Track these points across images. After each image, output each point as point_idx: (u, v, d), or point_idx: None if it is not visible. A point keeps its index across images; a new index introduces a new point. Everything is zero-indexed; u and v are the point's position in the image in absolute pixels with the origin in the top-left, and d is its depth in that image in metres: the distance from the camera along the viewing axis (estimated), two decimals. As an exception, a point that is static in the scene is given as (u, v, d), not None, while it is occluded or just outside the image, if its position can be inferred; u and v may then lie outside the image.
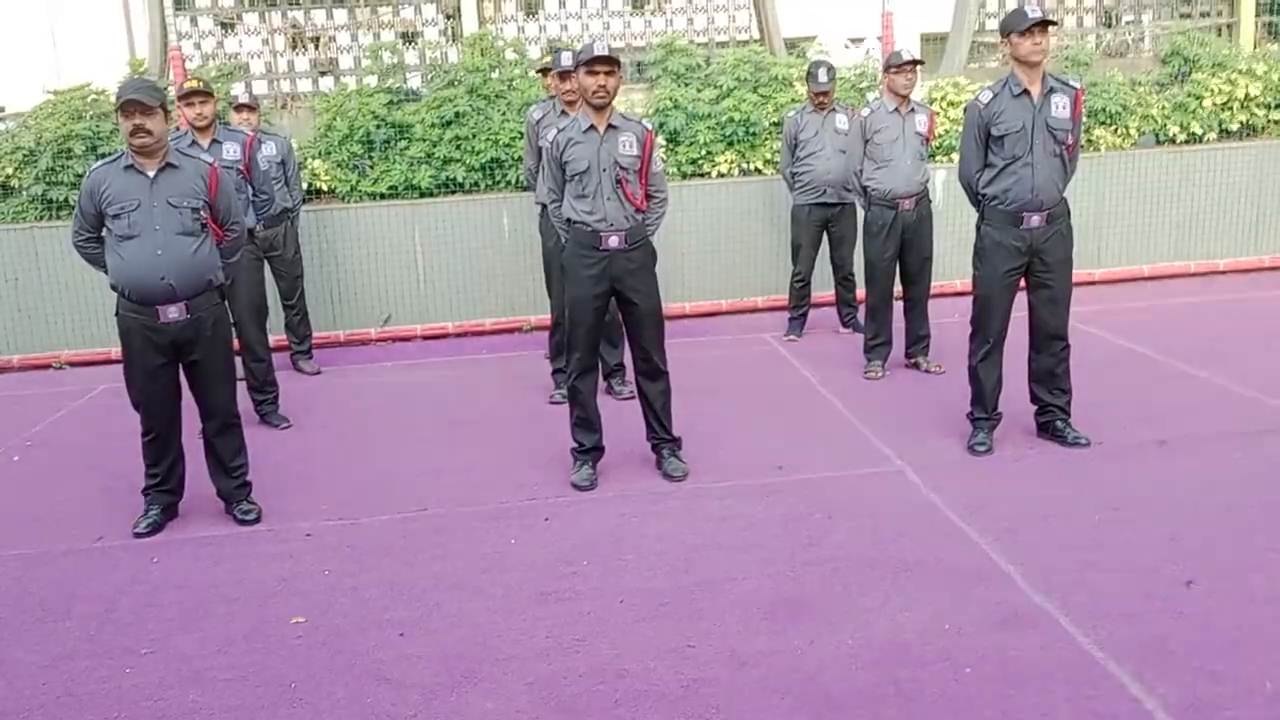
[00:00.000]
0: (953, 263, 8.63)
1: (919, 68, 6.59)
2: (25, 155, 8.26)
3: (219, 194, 4.71)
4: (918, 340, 6.87)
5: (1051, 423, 5.33)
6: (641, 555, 4.29)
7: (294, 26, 9.32)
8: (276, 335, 7.90)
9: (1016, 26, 4.89)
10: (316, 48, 9.44)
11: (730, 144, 8.91)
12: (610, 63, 4.75)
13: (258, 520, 4.87)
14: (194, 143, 6.07)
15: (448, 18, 9.45)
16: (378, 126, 8.55)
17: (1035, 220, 5.05)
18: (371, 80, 8.90)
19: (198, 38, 9.28)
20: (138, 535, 4.75)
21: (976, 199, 5.24)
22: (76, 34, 15.48)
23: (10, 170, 8.30)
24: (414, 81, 9.19)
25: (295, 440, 6.13)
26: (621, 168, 4.89)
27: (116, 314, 4.69)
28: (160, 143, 4.54)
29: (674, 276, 8.84)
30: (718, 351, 7.73)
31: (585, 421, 5.16)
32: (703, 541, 4.39)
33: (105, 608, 4.09)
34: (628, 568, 4.18)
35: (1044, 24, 4.85)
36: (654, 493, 4.98)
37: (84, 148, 8.19)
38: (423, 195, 8.62)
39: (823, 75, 7.43)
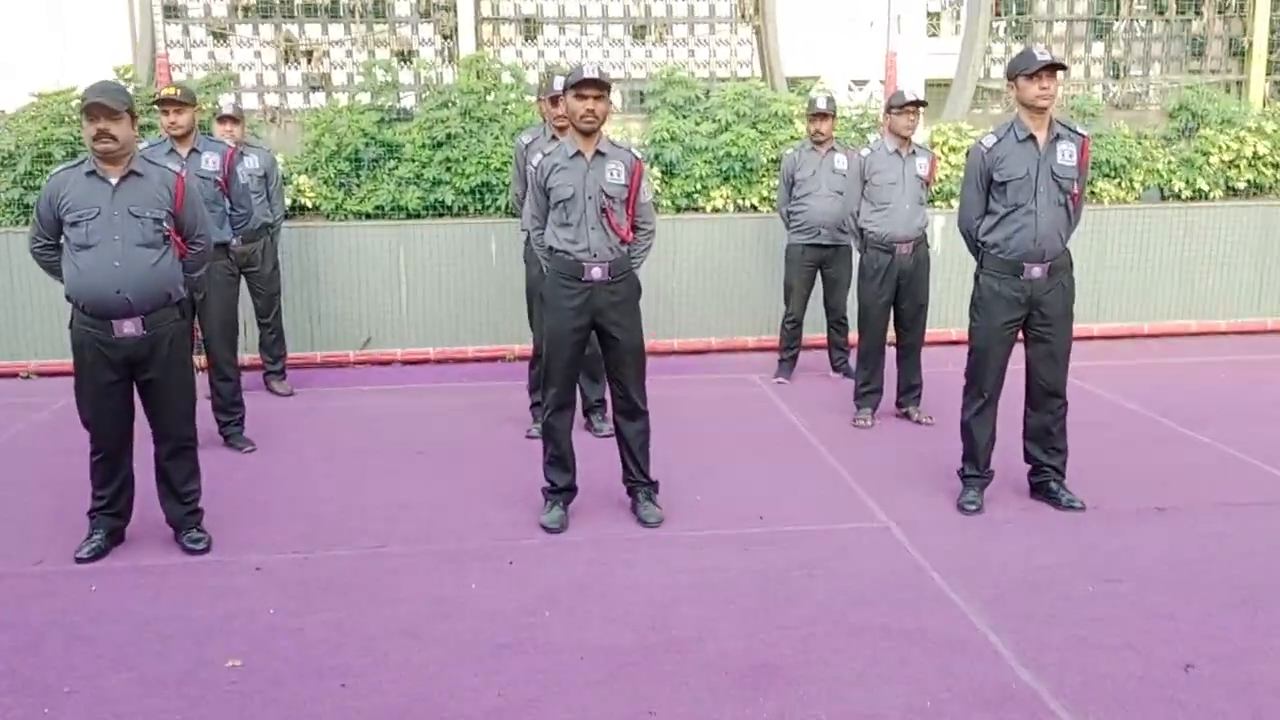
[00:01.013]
0: (948, 311, 8.42)
1: (922, 110, 6.40)
2: (3, 158, 8.04)
3: (185, 205, 4.49)
4: (909, 389, 6.65)
5: (1046, 483, 5.10)
6: (607, 607, 4.04)
7: (287, 39, 9.12)
8: (251, 354, 7.69)
9: (1024, 69, 4.70)
10: (309, 62, 9.24)
11: (726, 179, 8.72)
12: (600, 86, 4.55)
13: (207, 550, 4.61)
14: (172, 151, 5.86)
15: (445, 38, 9.27)
16: (366, 144, 8.34)
17: (1037, 271, 4.84)
18: (364, 97, 8.70)
19: (189, 46, 9.07)
20: (79, 560, 4.49)
21: (975, 247, 5.04)
22: (84, 36, 15.33)
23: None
24: (407, 101, 8.99)
25: (257, 465, 5.88)
26: (607, 196, 4.67)
27: (70, 326, 4.46)
28: (125, 149, 4.33)
29: (664, 312, 8.65)
30: (704, 391, 7.50)
31: (559, 460, 4.92)
32: (673, 595, 4.14)
33: (33, 639, 3.83)
34: (591, 620, 3.93)
35: (1053, 68, 4.66)
36: (626, 539, 4.74)
37: (64, 153, 7.96)
38: (409, 216, 8.40)
39: (821, 102, 7.25)
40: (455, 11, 9.16)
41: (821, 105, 7.28)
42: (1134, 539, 4.67)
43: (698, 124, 8.80)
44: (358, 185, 8.41)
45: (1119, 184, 9.20)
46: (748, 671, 3.54)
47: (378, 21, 9.24)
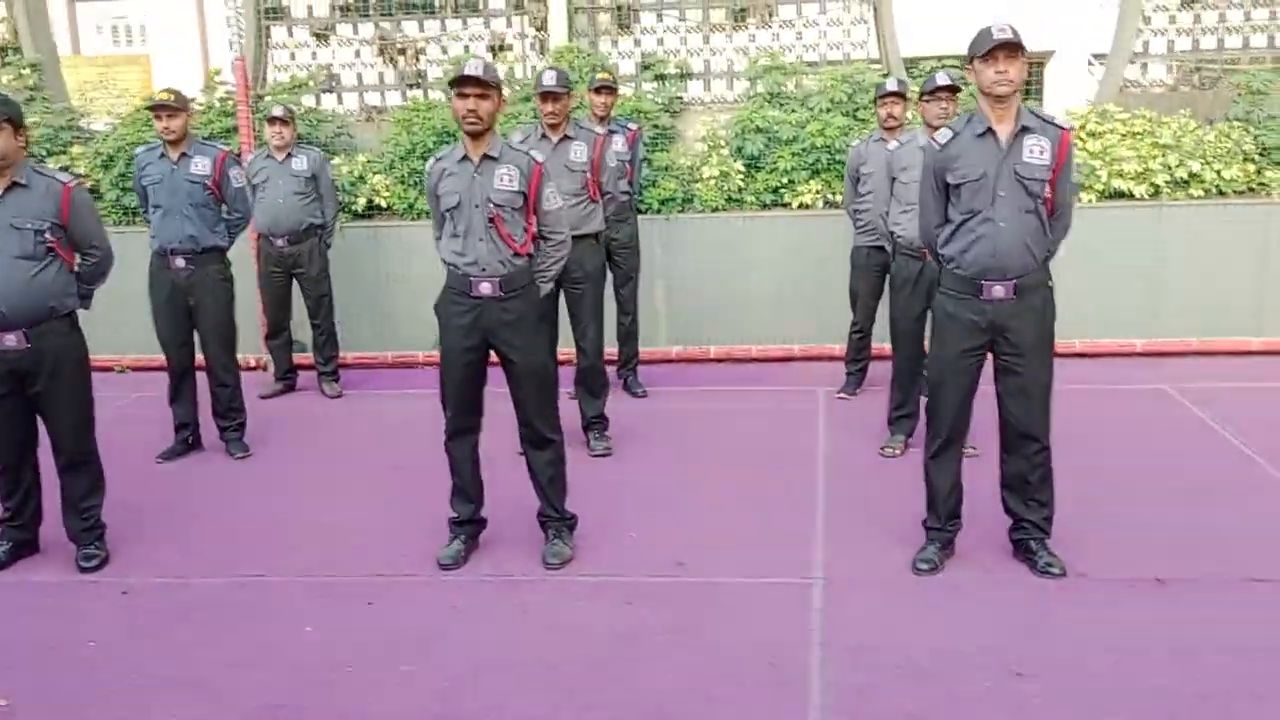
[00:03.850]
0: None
1: (958, 95, 5.54)
2: (105, 160, 8.40)
3: (72, 216, 4.41)
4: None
5: (1026, 542, 4.27)
6: (424, 665, 3.65)
7: (382, 38, 9.11)
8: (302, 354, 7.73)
9: (977, 51, 3.91)
10: (405, 60, 9.20)
11: (815, 172, 8.00)
12: (481, 84, 4.12)
13: (98, 567, 4.54)
14: (163, 155, 5.88)
15: (537, 30, 9.00)
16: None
17: (998, 291, 4.03)
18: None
19: (293, 48, 9.22)
20: (-24, 572, 4.52)
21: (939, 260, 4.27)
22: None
23: (97, 176, 8.47)
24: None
25: (225, 475, 5.81)
26: (496, 205, 4.24)
27: None
28: (6, 160, 4.27)
29: (743, 315, 8.10)
30: (751, 404, 6.89)
31: (460, 490, 4.55)
32: (502, 656, 3.69)
33: None
34: (392, 682, 3.54)
35: (1010, 47, 3.84)
36: (511, 581, 4.31)
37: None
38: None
39: (892, 83, 6.40)
40: (547, 3, 8.87)
41: (892, 86, 6.45)
42: (1097, 621, 3.80)
43: (791, 113, 8.13)
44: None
45: (1299, 175, 7.82)
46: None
47: (472, 15, 9.08)
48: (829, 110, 8.04)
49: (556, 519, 4.54)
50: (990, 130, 3.98)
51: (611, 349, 7.34)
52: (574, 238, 5.60)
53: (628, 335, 7.26)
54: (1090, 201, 7.74)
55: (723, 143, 8.15)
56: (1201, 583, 4.07)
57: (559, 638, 3.82)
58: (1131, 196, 7.73)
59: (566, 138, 5.71)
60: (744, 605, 4.04)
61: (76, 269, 4.51)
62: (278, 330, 7.50)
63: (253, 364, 8.18)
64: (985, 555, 4.38)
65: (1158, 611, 3.86)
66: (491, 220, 4.24)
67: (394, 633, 3.89)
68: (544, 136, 5.72)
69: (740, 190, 8.07)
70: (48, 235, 4.33)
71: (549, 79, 5.58)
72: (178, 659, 3.75)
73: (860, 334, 7.00)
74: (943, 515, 4.30)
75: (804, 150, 7.97)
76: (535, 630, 3.88)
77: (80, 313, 4.58)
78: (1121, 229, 7.73)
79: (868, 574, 4.28)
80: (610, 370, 7.25)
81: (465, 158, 4.27)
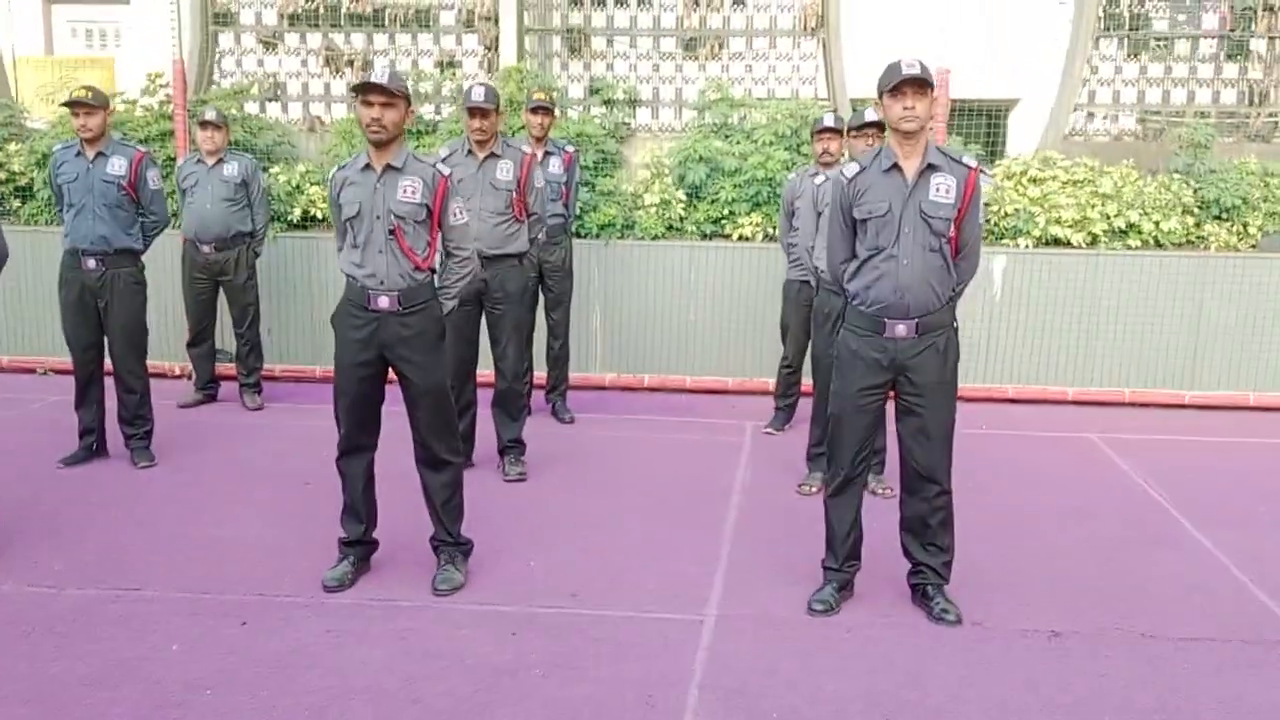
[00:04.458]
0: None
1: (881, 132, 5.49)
2: (39, 159, 8.23)
3: None
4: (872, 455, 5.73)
5: (923, 587, 4.19)
6: (286, 690, 3.50)
7: (329, 49, 9.01)
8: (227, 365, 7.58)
9: (885, 85, 3.86)
10: (353, 71, 9.10)
11: (756, 205, 7.95)
12: (385, 93, 4.02)
13: (-33, 574, 4.37)
14: (79, 153, 5.75)
15: (487, 49, 8.93)
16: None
17: (900, 329, 3.96)
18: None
19: (240, 54, 9.11)
20: None
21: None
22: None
23: (31, 173, 8.32)
24: (446, 111, 8.69)
25: (124, 484, 5.64)
26: (397, 216, 4.14)
27: None
28: None
29: (680, 346, 8.04)
30: (675, 436, 6.80)
31: (351, 509, 4.42)
32: (373, 684, 3.55)
33: None
34: (249, 708, 3.39)
35: (918, 83, 3.79)
36: (395, 606, 4.17)
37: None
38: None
39: (829, 118, 6.32)
40: (498, 22, 8.81)
41: (828, 121, 6.40)
42: (984, 672, 3.71)
43: (736, 144, 8.09)
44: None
45: (1231, 228, 7.85)
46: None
47: (422, 31, 9.01)
48: (773, 143, 8.01)
49: (450, 544, 4.41)
50: (897, 166, 3.92)
51: (541, 373, 7.26)
52: (496, 257, 5.56)
53: (557, 359, 7.17)
54: (1027, 247, 7.73)
55: (666, 170, 8.10)
56: (1096, 637, 3.99)
57: (433, 667, 3.68)
58: (1069, 244, 7.73)
59: (493, 155, 5.62)
60: (630, 640, 3.92)
61: None
62: (200, 339, 7.35)
63: (176, 372, 8.03)
64: (884, 598, 4.30)
65: (1047, 665, 3.78)
66: (392, 232, 4.14)
67: (261, 655, 3.75)
68: (470, 152, 5.63)
69: (681, 219, 8.02)
70: None
71: (477, 94, 5.50)
72: (29, 672, 3.59)
73: (790, 369, 6.94)
74: (840, 556, 4.22)
75: (746, 182, 7.93)
76: (410, 659, 3.75)
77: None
78: (1057, 276, 7.73)
79: (762, 613, 4.18)
80: (539, 394, 7.18)
81: (368, 166, 4.18)
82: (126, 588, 4.30)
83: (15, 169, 8.37)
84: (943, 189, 3.89)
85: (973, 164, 3.95)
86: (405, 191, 4.14)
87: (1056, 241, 7.78)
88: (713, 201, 8.01)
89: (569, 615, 4.13)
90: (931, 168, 3.90)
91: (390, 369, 4.29)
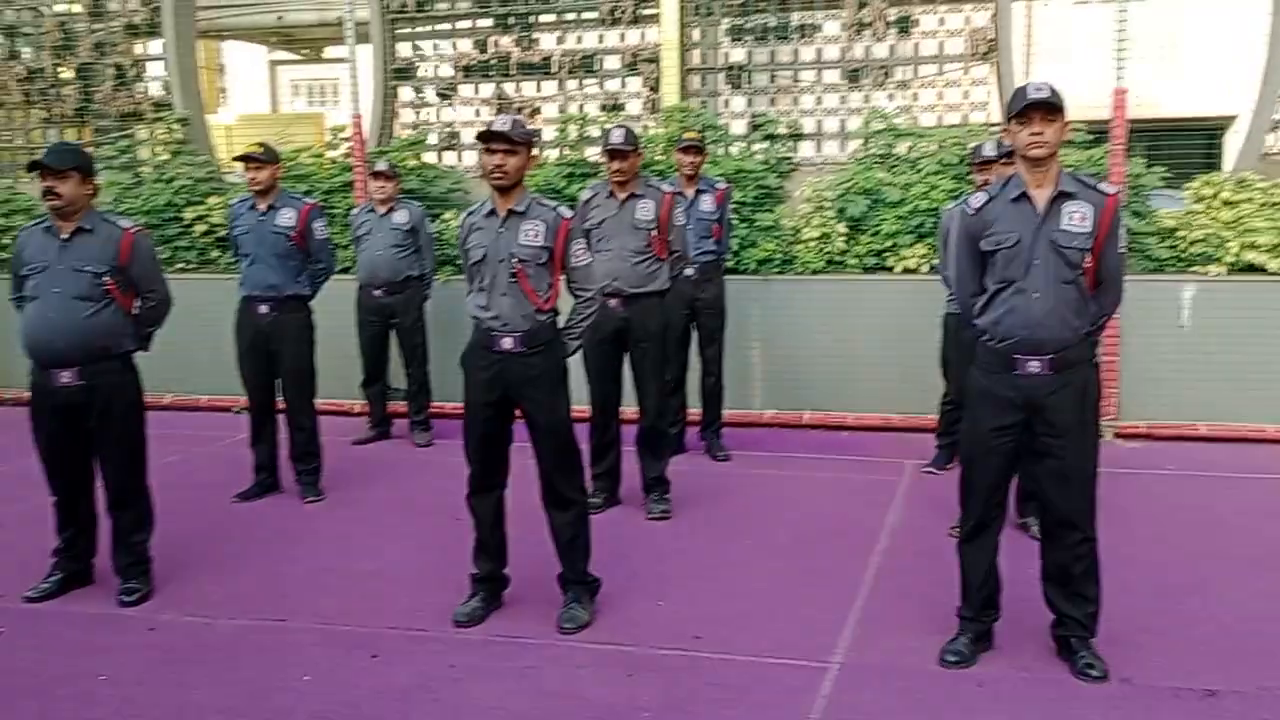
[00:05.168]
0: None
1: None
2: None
3: (132, 261, 4.61)
4: (1029, 497, 5.44)
5: (1067, 640, 3.93)
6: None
7: (500, 98, 9.31)
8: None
9: (1012, 111, 3.68)
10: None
11: (920, 236, 7.73)
12: (506, 140, 4.12)
13: (138, 602, 4.67)
14: (253, 206, 6.11)
15: (651, 90, 9.04)
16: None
17: (1033, 365, 3.75)
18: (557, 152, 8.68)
19: (418, 106, 9.53)
20: (26, 600, 4.68)
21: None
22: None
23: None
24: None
25: (289, 518, 5.92)
26: (520, 260, 4.22)
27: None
28: (71, 206, 4.51)
29: (841, 382, 7.85)
30: (830, 474, 6.65)
31: (482, 546, 4.50)
32: (483, 720, 3.60)
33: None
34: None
35: (1047, 107, 3.61)
36: (518, 644, 4.21)
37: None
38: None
39: (988, 147, 6.11)
40: (660, 64, 8.91)
41: (987, 150, 6.18)
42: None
43: (901, 174, 7.91)
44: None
45: None
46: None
47: (587, 76, 9.20)
48: (938, 173, 7.77)
49: (575, 582, 4.43)
50: (1026, 195, 3.73)
51: (696, 410, 7.23)
52: (637, 295, 5.59)
53: (711, 396, 7.12)
54: (1218, 275, 7.22)
55: (826, 204, 7.97)
56: (1255, 697, 3.65)
57: (546, 706, 3.71)
58: (1264, 271, 7.17)
59: (634, 195, 5.67)
60: (747, 685, 3.83)
61: (135, 312, 4.69)
62: (373, 378, 7.65)
63: (355, 410, 8.38)
64: (1026, 651, 4.05)
65: (1204, 731, 3.48)
66: (514, 275, 4.22)
67: (385, 688, 3.85)
68: (611, 194, 5.70)
69: (842, 253, 7.86)
70: (106, 279, 4.53)
71: (616, 137, 5.57)
72: (171, 699, 3.79)
73: (951, 406, 6.65)
74: (975, 605, 4.01)
75: (909, 213, 7.72)
76: (525, 696, 3.78)
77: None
78: (1253, 304, 7.17)
79: (891, 662, 4.01)
80: (693, 432, 7.16)
81: (492, 212, 4.28)
82: (274, 618, 4.50)
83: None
84: (1076, 217, 3.67)
85: (1111, 190, 3.72)
86: (528, 235, 4.22)
87: (1252, 268, 7.23)
88: (874, 234, 7.82)
89: (689, 657, 4.07)
90: (1064, 195, 3.69)
91: (516, 409, 4.36)
